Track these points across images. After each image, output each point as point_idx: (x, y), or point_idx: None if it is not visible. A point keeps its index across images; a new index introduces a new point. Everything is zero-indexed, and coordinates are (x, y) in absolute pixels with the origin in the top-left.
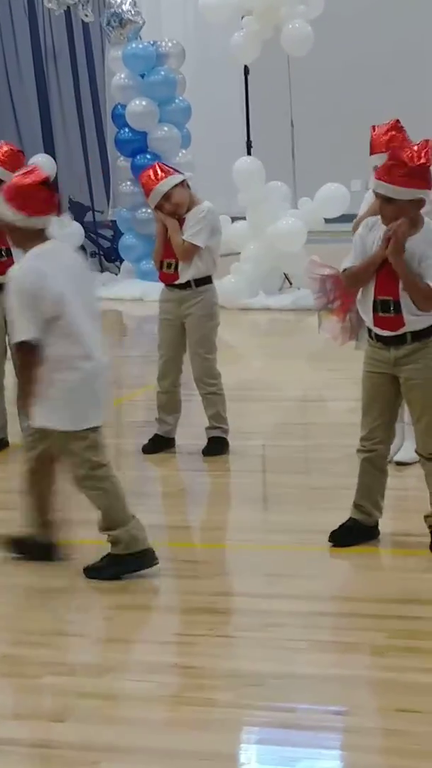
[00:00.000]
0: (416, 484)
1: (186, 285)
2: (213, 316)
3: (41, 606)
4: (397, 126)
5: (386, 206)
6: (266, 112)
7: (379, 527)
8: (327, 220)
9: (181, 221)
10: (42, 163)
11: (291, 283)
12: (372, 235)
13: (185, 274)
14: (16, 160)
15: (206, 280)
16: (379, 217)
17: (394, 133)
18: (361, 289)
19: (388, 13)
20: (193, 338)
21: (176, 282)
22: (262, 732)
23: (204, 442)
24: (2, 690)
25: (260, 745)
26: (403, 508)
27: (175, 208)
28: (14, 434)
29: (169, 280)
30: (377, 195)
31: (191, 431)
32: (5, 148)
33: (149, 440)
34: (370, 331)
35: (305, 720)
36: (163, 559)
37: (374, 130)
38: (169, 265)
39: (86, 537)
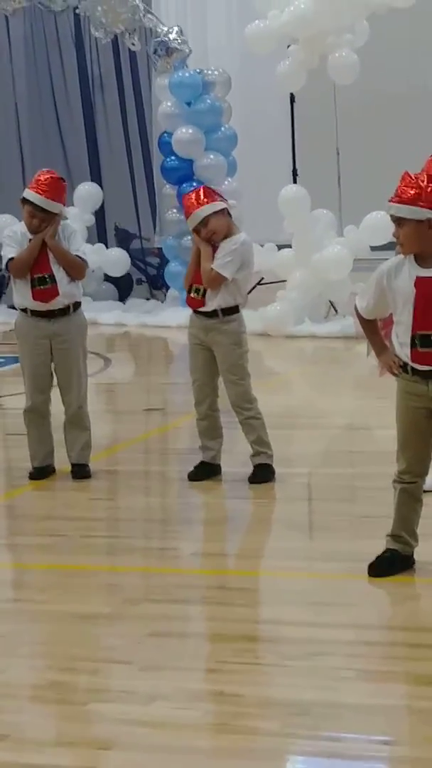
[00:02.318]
0: None
1: (213, 313)
2: (241, 343)
3: (86, 633)
4: None
5: (397, 229)
6: (312, 140)
7: (423, 555)
8: (373, 248)
9: (215, 249)
10: (88, 192)
11: (336, 311)
12: (399, 279)
13: (212, 303)
14: (57, 186)
15: (233, 310)
16: (401, 257)
17: None
18: (394, 324)
19: None
20: (224, 366)
21: (202, 309)
22: (307, 761)
23: (250, 470)
24: (48, 717)
25: None
26: None
27: (210, 234)
28: (60, 462)
29: (195, 305)
30: (391, 218)
31: (237, 459)
32: (46, 176)
33: (194, 467)
34: (405, 365)
35: (351, 749)
36: (209, 587)
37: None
38: (197, 291)
39: (131, 564)
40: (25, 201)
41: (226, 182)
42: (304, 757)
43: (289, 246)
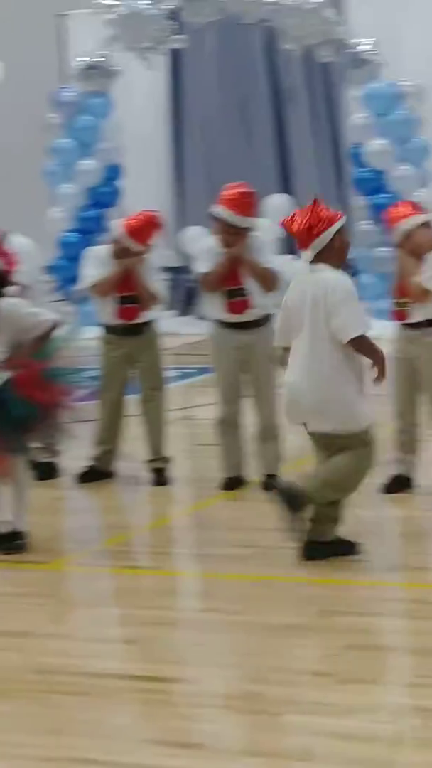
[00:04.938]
0: None
1: (418, 325)
2: None
3: (279, 644)
4: None
5: None
6: None
7: None
8: None
9: (421, 261)
10: (279, 203)
11: None
12: None
13: (417, 315)
14: (247, 202)
15: None
16: None
17: None
18: None
19: None
20: (427, 378)
21: (408, 321)
22: None
23: None
24: (243, 727)
25: None
26: None
27: (415, 248)
28: (252, 472)
29: (401, 318)
30: None
31: None
32: (235, 191)
33: (389, 479)
34: None
35: None
36: (405, 600)
37: None
38: (403, 304)
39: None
40: (215, 218)
41: (418, 193)
42: None
43: None
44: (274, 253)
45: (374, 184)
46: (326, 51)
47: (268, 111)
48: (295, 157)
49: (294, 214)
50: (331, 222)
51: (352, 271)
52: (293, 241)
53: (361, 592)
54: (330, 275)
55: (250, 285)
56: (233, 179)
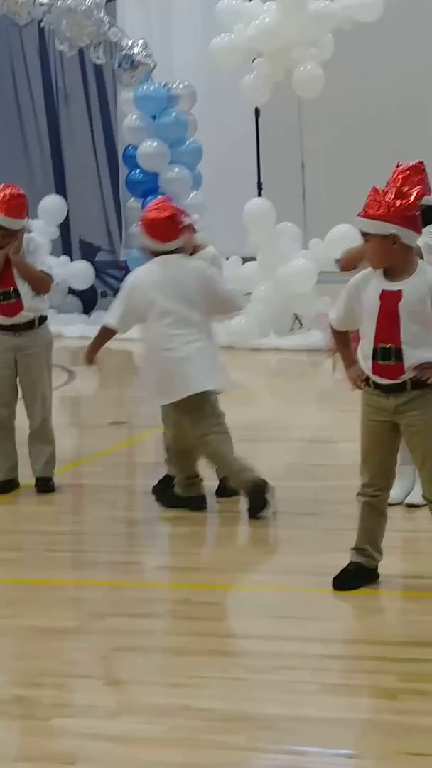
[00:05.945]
0: (427, 526)
1: None
2: None
3: (50, 647)
4: (418, 168)
5: (365, 242)
6: (277, 153)
7: (389, 569)
8: (338, 261)
9: None
10: (53, 204)
11: (302, 324)
12: (366, 291)
13: None
14: (17, 203)
15: None
16: (371, 270)
17: (410, 173)
18: (360, 337)
19: (397, 55)
20: None
21: None
22: None
23: (215, 483)
24: (12, 732)
25: None
26: (414, 550)
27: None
28: (25, 476)
29: None
30: (360, 232)
31: (202, 472)
32: (5, 192)
33: (159, 481)
34: (368, 378)
35: (315, 763)
36: (174, 601)
37: (398, 166)
38: None
39: (96, 578)
40: None
41: (191, 195)
42: None
43: (254, 259)
44: (48, 255)
45: (147, 186)
46: (99, 52)
47: (42, 112)
48: (69, 159)
49: (158, 207)
50: None
51: (124, 273)
52: (67, 243)
53: (130, 593)
54: (196, 261)
55: (22, 287)
56: (7, 180)
